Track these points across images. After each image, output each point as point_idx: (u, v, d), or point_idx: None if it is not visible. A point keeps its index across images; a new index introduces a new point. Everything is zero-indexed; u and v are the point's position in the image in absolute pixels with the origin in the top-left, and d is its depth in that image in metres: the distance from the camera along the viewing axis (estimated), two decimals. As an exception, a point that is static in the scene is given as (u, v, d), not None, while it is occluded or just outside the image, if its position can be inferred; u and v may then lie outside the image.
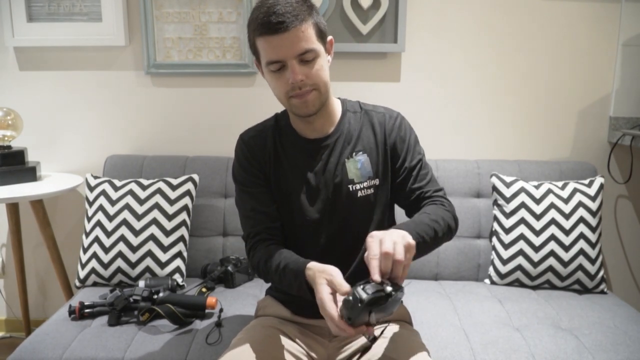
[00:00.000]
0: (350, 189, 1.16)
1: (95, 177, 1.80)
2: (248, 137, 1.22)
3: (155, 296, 1.48)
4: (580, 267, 1.67)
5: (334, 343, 1.18)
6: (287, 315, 1.23)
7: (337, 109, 1.20)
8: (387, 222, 1.23)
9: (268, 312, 1.26)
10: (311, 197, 1.17)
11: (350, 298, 0.84)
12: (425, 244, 1.01)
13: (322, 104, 1.12)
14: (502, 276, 1.72)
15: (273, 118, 1.25)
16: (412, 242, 0.90)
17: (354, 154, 1.17)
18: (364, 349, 1.12)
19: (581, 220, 1.69)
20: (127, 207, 1.71)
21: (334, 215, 1.17)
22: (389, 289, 0.84)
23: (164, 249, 1.69)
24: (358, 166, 1.16)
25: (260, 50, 1.07)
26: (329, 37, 1.12)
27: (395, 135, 1.19)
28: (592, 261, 1.68)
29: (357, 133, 1.18)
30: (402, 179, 1.18)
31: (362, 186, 1.16)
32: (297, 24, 1.02)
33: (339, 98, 1.24)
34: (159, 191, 1.74)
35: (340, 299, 0.89)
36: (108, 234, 1.68)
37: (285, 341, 1.15)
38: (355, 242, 1.16)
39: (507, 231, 1.72)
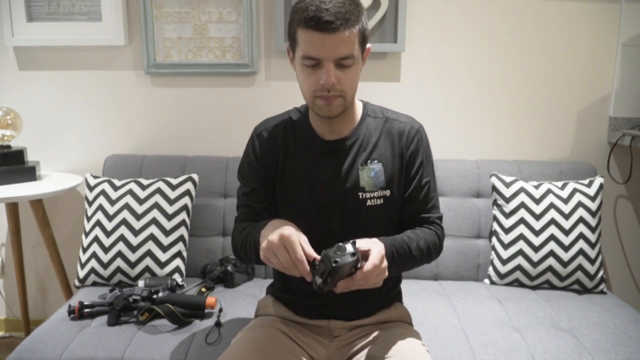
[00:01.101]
0: (360, 196, 1.14)
1: (95, 177, 1.80)
2: (260, 131, 1.21)
3: (155, 296, 1.47)
4: (580, 267, 1.67)
5: (334, 343, 1.18)
6: (287, 315, 1.23)
7: (357, 111, 1.18)
8: (395, 234, 1.21)
9: (268, 312, 1.26)
10: (318, 199, 1.15)
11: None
12: (397, 269, 1.09)
13: (345, 110, 1.10)
14: (501, 276, 1.72)
15: (290, 113, 1.22)
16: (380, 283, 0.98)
17: (368, 161, 1.14)
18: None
19: (581, 220, 1.69)
20: (127, 206, 1.71)
21: (340, 220, 1.15)
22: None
23: (164, 249, 1.69)
24: (371, 175, 1.14)
25: (300, 42, 1.03)
26: (368, 45, 1.10)
27: (413, 148, 1.17)
28: (592, 261, 1.68)
29: (374, 140, 1.16)
30: (409, 194, 1.17)
31: (372, 195, 1.14)
32: (345, 27, 0.99)
33: (361, 100, 1.22)
34: (159, 191, 1.74)
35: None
36: (107, 234, 1.68)
37: (285, 341, 1.15)
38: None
39: (507, 231, 1.72)
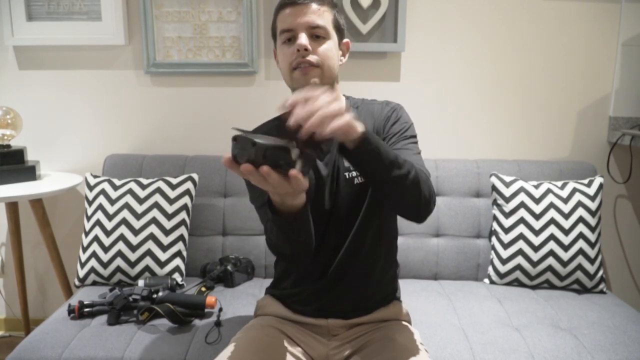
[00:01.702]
0: (347, 176, 1.15)
1: (95, 176, 1.80)
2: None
3: (155, 295, 1.47)
4: (580, 267, 1.67)
5: (333, 342, 1.18)
6: (286, 314, 1.23)
7: None
8: (389, 213, 1.22)
9: (267, 312, 1.26)
10: (319, 189, 1.15)
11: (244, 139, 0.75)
12: (378, 154, 0.91)
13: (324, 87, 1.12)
14: (501, 276, 1.72)
15: (277, 118, 1.24)
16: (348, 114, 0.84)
17: None
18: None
19: (580, 220, 1.69)
20: (127, 206, 1.71)
21: (339, 204, 1.15)
22: (295, 150, 0.75)
23: (164, 248, 1.69)
24: None
25: (278, 25, 1.13)
26: (346, 39, 1.18)
27: (387, 118, 1.18)
28: (592, 261, 1.68)
29: None
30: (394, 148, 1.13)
31: (357, 173, 1.15)
32: (317, 2, 1.09)
33: (344, 95, 1.25)
34: (159, 190, 1.74)
35: None
36: (107, 233, 1.68)
37: (284, 341, 1.15)
38: (360, 230, 1.17)
39: (507, 231, 1.72)
